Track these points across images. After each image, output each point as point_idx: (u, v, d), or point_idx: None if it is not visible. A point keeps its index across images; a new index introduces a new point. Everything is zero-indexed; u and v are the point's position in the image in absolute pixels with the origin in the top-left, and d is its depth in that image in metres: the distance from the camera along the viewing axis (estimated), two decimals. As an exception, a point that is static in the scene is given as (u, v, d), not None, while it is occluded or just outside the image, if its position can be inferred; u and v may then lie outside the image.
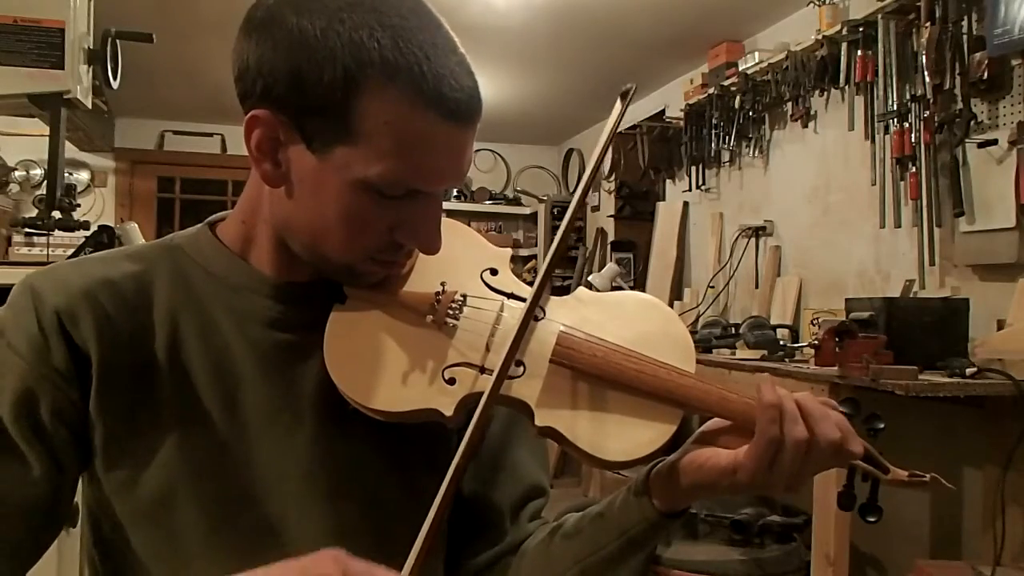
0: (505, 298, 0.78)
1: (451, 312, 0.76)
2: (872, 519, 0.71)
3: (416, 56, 0.66)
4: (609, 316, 0.78)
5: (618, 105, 0.73)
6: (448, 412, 0.72)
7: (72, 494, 0.77)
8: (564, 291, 0.80)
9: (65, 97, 1.97)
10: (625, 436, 0.72)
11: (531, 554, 0.82)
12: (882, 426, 0.72)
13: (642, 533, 0.75)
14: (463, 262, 0.80)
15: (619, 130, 0.74)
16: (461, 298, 0.77)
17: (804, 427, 0.68)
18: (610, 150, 0.76)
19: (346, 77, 0.65)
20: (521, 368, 0.73)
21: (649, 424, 0.72)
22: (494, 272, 0.80)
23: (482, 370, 0.73)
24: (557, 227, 5.79)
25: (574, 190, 6.11)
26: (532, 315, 0.73)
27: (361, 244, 0.72)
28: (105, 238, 2.27)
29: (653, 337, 0.76)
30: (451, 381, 0.73)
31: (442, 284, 0.77)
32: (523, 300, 0.78)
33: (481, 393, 0.71)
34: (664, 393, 0.72)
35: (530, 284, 0.77)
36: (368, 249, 0.73)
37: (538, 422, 0.72)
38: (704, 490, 0.72)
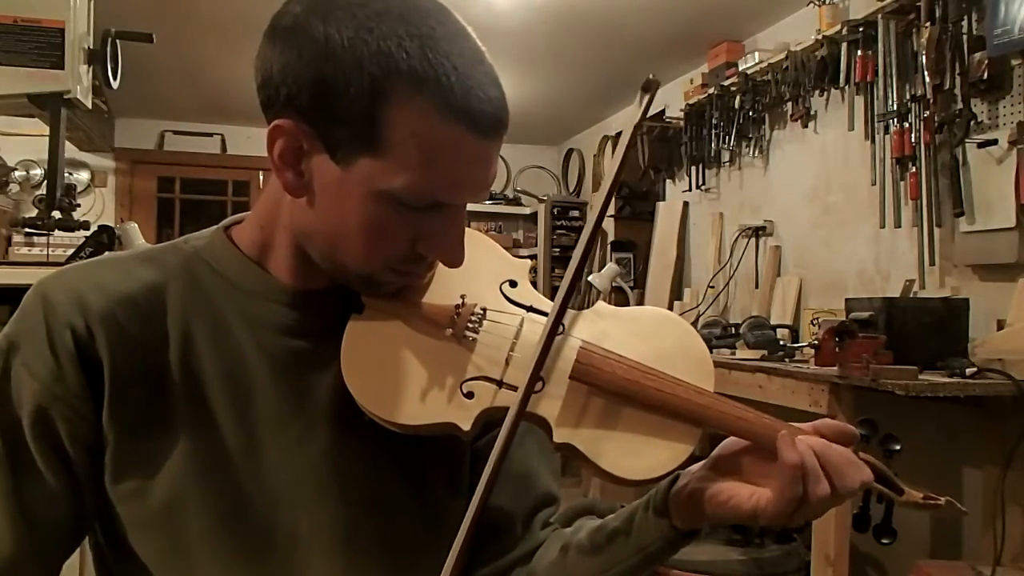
0: (525, 312, 0.77)
1: (471, 326, 0.75)
2: (886, 541, 0.71)
3: (444, 67, 0.65)
4: (627, 331, 0.77)
5: (637, 103, 0.71)
6: (465, 427, 0.71)
7: (94, 500, 0.77)
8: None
9: (65, 97, 1.96)
10: (643, 455, 0.71)
11: (546, 567, 0.82)
12: (898, 448, 0.72)
13: (659, 550, 0.76)
14: (482, 273, 0.80)
15: (644, 116, 0.71)
16: (481, 311, 0.76)
17: (828, 484, 0.67)
18: (627, 149, 0.74)
19: (373, 87, 0.64)
20: (540, 384, 0.72)
21: (667, 444, 0.72)
22: (513, 284, 0.80)
23: (501, 384, 0.73)
24: (557, 227, 5.81)
25: (576, 189, 6.10)
26: (555, 333, 0.71)
27: (382, 255, 0.72)
28: (105, 238, 2.27)
29: (671, 353, 0.75)
30: (469, 395, 0.72)
31: (462, 297, 0.76)
32: (543, 313, 0.77)
33: (499, 407, 0.71)
34: (683, 412, 0.72)
35: (533, 284, 0.76)
36: (389, 260, 0.72)
37: (556, 439, 0.72)
38: (722, 521, 0.73)
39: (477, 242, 0.81)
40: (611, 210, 5.30)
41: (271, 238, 0.78)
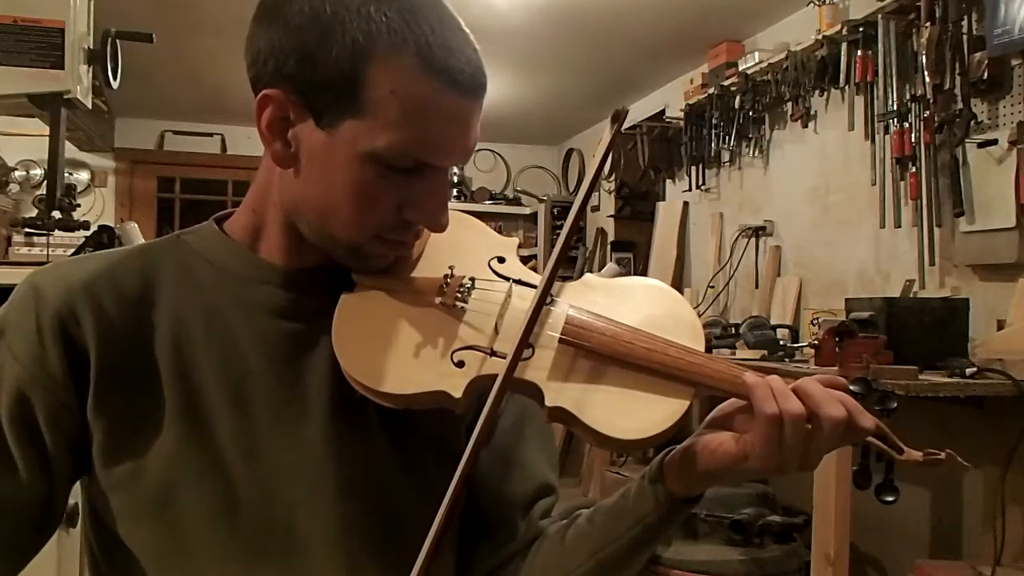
0: (513, 283, 0.78)
1: (459, 295, 0.76)
2: (890, 499, 0.70)
3: (423, 28, 0.68)
4: (617, 300, 0.77)
5: (607, 131, 0.72)
6: (457, 394, 0.72)
7: (66, 497, 0.77)
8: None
9: (65, 97, 1.96)
10: (636, 415, 0.71)
11: (545, 549, 0.82)
12: (895, 405, 0.72)
13: (658, 520, 0.75)
14: (471, 250, 0.81)
15: (614, 141, 0.73)
16: (469, 282, 0.77)
17: (798, 401, 0.67)
18: (608, 163, 0.76)
19: (354, 49, 0.67)
20: (530, 350, 0.73)
21: (660, 401, 0.71)
22: (501, 260, 0.81)
23: (491, 353, 0.73)
24: (557, 227, 5.80)
25: (575, 190, 6.10)
26: (546, 297, 0.72)
27: (369, 221, 0.73)
28: (105, 238, 2.27)
29: (661, 319, 0.76)
30: (460, 364, 0.73)
31: (450, 268, 0.78)
32: (531, 286, 0.78)
33: (489, 375, 0.71)
34: (675, 371, 0.71)
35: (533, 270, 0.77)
36: (376, 227, 0.74)
37: (548, 403, 0.71)
38: (719, 476, 0.72)
39: (465, 222, 0.83)
40: (611, 210, 5.31)
41: (262, 220, 0.80)
